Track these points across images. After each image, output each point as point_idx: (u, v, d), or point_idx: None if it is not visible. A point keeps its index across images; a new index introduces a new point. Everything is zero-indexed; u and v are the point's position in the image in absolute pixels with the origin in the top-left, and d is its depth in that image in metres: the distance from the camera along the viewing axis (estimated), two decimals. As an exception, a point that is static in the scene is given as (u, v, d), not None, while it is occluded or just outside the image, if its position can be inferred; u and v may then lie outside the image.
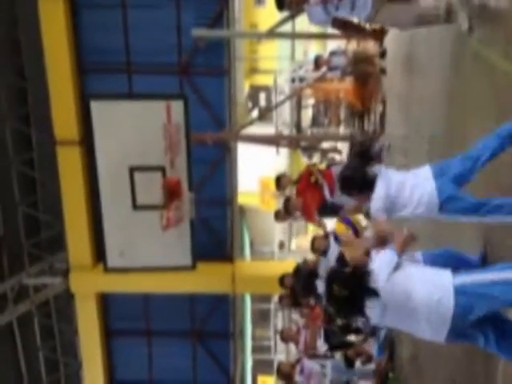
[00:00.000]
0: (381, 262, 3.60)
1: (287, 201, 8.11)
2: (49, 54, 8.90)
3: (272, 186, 16.34)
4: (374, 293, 3.49)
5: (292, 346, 17.93)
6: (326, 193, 7.53)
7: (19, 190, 9.76)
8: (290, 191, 8.74)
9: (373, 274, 3.54)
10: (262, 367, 21.96)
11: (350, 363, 8.29)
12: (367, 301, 3.51)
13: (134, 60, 9.42)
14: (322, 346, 8.38)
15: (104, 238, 8.49)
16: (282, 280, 8.24)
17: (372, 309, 3.54)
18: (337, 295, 3.57)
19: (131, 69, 9.45)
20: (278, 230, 19.50)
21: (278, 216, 9.24)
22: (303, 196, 7.85)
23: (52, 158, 9.42)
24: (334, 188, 7.52)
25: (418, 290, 3.43)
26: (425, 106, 7.12)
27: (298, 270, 8.22)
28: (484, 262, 4.51)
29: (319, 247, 7.26)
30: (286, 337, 9.16)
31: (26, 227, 10.02)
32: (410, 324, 3.57)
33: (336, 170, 7.61)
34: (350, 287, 3.55)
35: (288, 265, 9.15)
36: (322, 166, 8.51)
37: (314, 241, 7.45)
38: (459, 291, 3.35)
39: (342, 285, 3.56)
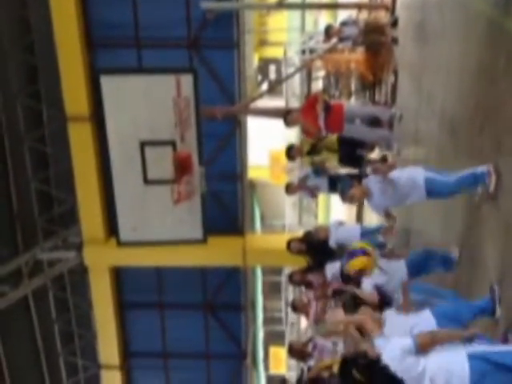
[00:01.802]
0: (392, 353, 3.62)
1: (288, 113, 8.16)
2: (58, 30, 8.85)
3: (282, 159, 16.38)
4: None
5: (303, 318, 18.16)
6: (321, 122, 7.64)
7: (31, 166, 9.82)
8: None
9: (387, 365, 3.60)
10: (273, 338, 22.23)
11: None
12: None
13: (143, 34, 9.34)
14: None
15: (116, 213, 8.59)
16: (289, 244, 8.30)
17: None
18: (357, 379, 3.67)
19: (140, 43, 9.38)
20: (289, 204, 19.53)
21: (289, 189, 9.27)
22: (304, 115, 7.90)
23: (63, 133, 9.44)
24: (340, 124, 7.61)
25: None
26: (437, 76, 7.03)
27: (307, 235, 8.29)
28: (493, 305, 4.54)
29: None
30: (297, 307, 9.21)
31: (39, 203, 10.10)
32: None
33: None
34: (369, 374, 3.66)
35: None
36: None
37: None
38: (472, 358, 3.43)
39: (361, 371, 3.66)
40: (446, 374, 3.41)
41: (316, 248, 8.08)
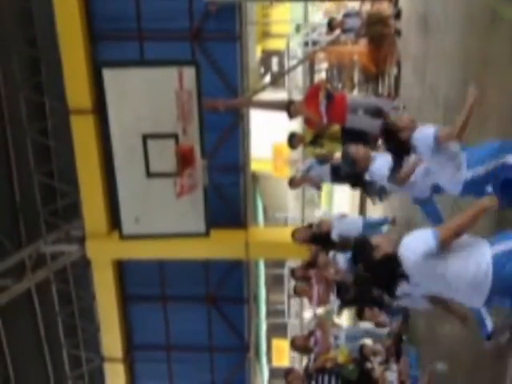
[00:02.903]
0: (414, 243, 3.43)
1: (290, 103, 8.15)
2: (60, 23, 8.82)
3: (285, 152, 16.36)
4: (403, 277, 3.42)
5: (305, 311, 18.21)
6: (322, 108, 7.65)
7: (34, 159, 9.81)
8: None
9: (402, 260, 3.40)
10: (276, 331, 22.29)
11: (360, 315, 8.41)
12: (395, 284, 3.47)
13: (145, 26, 9.30)
14: (334, 301, 8.46)
15: (119, 206, 8.58)
16: (293, 234, 8.32)
17: (401, 287, 3.51)
18: (362, 275, 3.55)
19: (143, 35, 9.35)
20: (291, 197, 19.52)
21: (293, 183, 9.26)
22: (307, 104, 7.91)
23: (66, 126, 9.42)
24: (343, 115, 7.59)
25: (456, 277, 3.32)
26: (441, 67, 6.99)
27: (311, 225, 8.32)
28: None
29: None
30: (299, 291, 9.21)
31: (42, 196, 10.10)
32: (447, 293, 3.55)
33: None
34: (376, 274, 3.50)
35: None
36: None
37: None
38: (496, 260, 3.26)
39: (368, 269, 3.52)
40: (467, 276, 3.26)
41: (319, 240, 8.09)
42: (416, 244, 3.39)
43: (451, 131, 4.18)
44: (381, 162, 5.50)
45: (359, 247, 3.63)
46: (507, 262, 3.22)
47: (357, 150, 5.73)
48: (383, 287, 3.59)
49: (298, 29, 18.74)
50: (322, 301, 8.50)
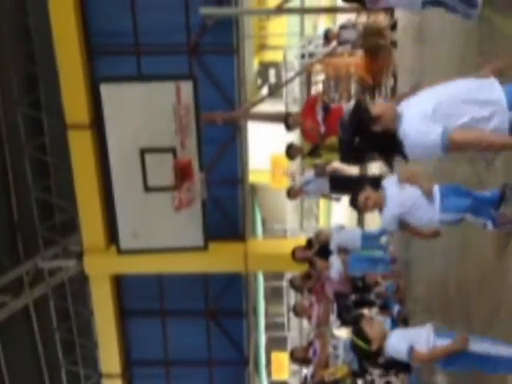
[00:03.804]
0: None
1: (288, 115, 8.15)
2: (58, 39, 8.83)
3: (283, 163, 16.34)
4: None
5: (305, 323, 18.11)
6: (319, 118, 7.62)
7: (32, 175, 9.77)
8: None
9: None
10: (275, 344, 22.16)
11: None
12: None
13: (142, 41, 9.32)
14: (334, 321, 8.44)
15: (117, 220, 8.54)
16: (293, 253, 8.30)
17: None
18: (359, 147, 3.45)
19: (140, 50, 9.36)
20: (290, 208, 19.49)
21: (290, 193, 9.24)
22: (304, 115, 7.91)
23: (64, 142, 9.41)
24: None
25: None
26: (437, 78, 6.99)
27: (310, 243, 8.31)
28: (501, 200, 4.21)
29: None
30: (298, 311, 9.21)
31: (40, 211, 10.06)
32: None
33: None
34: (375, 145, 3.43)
35: (300, 243, 9.17)
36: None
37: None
38: None
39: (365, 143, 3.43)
40: None
41: (318, 254, 8.09)
42: (422, 140, 3.28)
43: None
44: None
45: (357, 114, 3.50)
46: None
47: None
48: (381, 153, 3.52)
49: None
50: (322, 321, 8.50)
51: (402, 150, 3.34)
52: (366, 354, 4.18)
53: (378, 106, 3.48)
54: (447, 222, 4.38)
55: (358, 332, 4.21)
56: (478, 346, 3.80)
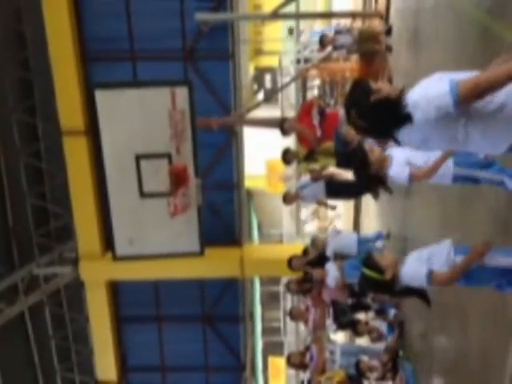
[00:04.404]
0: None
1: (284, 120, 8.14)
2: (53, 45, 8.83)
3: (279, 168, 16.35)
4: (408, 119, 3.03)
5: (301, 328, 18.08)
6: (316, 122, 7.68)
7: (27, 182, 9.75)
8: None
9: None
10: (272, 349, 22.11)
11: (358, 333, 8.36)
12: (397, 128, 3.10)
13: (137, 47, 9.32)
14: (330, 325, 8.43)
15: (112, 227, 8.52)
16: (290, 262, 8.28)
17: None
18: (356, 125, 3.18)
19: (135, 56, 9.36)
20: (286, 213, 19.49)
21: (286, 199, 9.23)
22: (300, 120, 7.96)
23: (59, 148, 9.39)
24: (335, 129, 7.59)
25: None
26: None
27: (306, 251, 8.28)
28: None
29: None
30: (295, 315, 9.20)
31: (35, 218, 10.02)
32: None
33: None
34: (375, 118, 3.16)
35: (296, 247, 9.16)
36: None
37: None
38: None
39: (362, 116, 3.16)
40: None
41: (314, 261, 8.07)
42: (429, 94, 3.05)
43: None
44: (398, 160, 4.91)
45: (356, 91, 3.32)
46: None
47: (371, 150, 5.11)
48: (382, 132, 3.22)
49: (290, 31, 18.82)
50: (318, 326, 8.48)
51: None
52: (381, 285, 3.93)
53: None
54: (460, 179, 4.32)
55: (370, 263, 3.95)
56: (494, 258, 3.58)
